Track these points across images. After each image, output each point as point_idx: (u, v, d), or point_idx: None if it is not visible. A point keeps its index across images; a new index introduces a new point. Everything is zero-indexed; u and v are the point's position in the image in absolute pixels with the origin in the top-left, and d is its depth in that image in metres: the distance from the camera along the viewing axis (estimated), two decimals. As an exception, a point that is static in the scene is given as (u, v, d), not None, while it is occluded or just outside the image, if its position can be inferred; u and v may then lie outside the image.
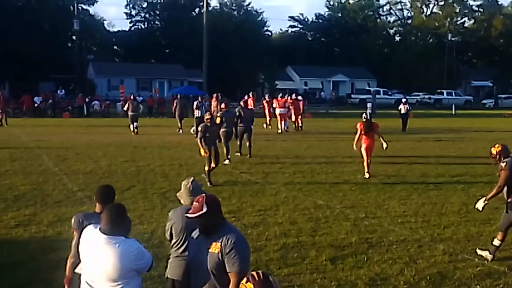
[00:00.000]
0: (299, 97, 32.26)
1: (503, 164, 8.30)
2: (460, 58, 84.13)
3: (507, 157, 8.43)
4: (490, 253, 8.39)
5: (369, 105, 49.39)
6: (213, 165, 13.92)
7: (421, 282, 7.44)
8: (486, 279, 7.56)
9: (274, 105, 30.18)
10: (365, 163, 15.34)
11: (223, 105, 20.25)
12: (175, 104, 29.82)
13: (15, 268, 7.77)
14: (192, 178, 5.50)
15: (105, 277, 4.14)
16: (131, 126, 26.99)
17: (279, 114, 29.24)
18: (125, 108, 28.02)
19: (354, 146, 15.70)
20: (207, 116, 14.57)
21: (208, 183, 13.38)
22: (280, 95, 30.97)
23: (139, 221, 10.04)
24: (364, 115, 15.64)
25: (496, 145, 8.65)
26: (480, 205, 8.54)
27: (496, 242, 8.40)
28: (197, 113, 25.82)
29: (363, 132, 15.25)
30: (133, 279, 4.21)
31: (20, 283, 7.23)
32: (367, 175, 15.19)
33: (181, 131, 27.88)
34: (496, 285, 7.38)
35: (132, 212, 9.50)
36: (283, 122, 29.18)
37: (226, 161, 17.05)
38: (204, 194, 4.55)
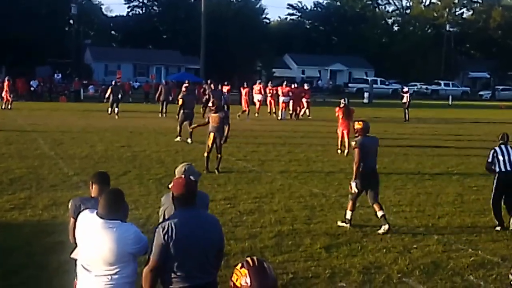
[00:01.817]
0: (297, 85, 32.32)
1: (353, 143, 9.04)
2: (458, 49, 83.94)
3: (364, 135, 9.02)
4: (346, 223, 9.27)
5: (366, 94, 49.39)
6: (218, 155, 13.79)
7: (414, 271, 7.48)
8: (479, 269, 7.61)
9: (279, 92, 30.08)
10: (338, 141, 17.55)
11: (183, 88, 19.98)
12: (159, 89, 30.03)
13: (10, 252, 7.77)
14: (187, 164, 5.50)
15: (102, 261, 4.15)
16: (109, 109, 27.32)
17: (283, 102, 29.30)
18: (107, 94, 28.23)
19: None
20: (211, 103, 14.56)
21: (205, 170, 13.31)
22: (285, 83, 30.94)
23: (135, 206, 10.03)
24: (342, 100, 17.81)
25: (361, 122, 9.23)
26: (354, 187, 9.11)
27: (349, 213, 9.30)
28: None
29: (342, 116, 17.42)
30: (130, 263, 4.23)
31: (14, 267, 7.21)
32: (339, 152, 17.31)
33: (162, 115, 28.23)
34: (489, 275, 7.42)
35: (127, 197, 9.42)
36: (283, 111, 29.24)
37: (177, 138, 18.71)
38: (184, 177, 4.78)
